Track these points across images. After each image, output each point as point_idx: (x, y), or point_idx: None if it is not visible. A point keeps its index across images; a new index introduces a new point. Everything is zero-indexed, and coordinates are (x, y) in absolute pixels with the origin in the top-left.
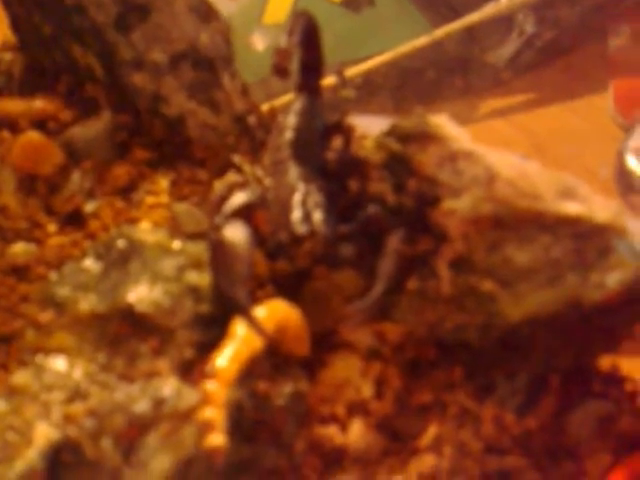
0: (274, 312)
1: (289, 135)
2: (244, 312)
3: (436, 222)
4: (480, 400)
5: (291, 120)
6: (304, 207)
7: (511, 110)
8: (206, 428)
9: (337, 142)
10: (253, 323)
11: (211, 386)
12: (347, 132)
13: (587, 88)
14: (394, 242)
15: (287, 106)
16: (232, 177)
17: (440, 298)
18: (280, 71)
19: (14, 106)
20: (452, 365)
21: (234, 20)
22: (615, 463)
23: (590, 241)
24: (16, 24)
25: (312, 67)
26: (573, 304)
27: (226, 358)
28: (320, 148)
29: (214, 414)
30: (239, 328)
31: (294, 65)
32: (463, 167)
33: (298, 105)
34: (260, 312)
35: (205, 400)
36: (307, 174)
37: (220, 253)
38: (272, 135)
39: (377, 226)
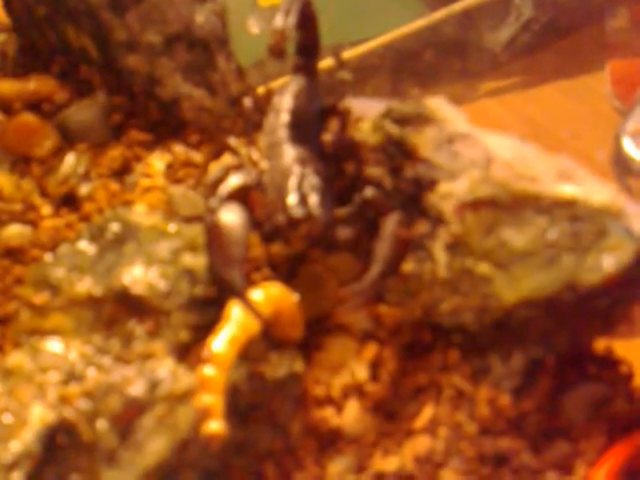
0: (270, 295)
1: (285, 117)
2: (240, 295)
3: (433, 205)
4: (475, 382)
5: (287, 102)
6: (300, 190)
7: (508, 93)
8: (205, 414)
9: (333, 125)
10: (249, 306)
11: (208, 370)
12: (343, 115)
13: (584, 71)
14: (391, 225)
15: (283, 87)
16: (228, 160)
17: (436, 281)
18: (276, 52)
19: (8, 87)
20: (448, 348)
21: (230, 2)
22: (609, 445)
23: (586, 224)
24: (9, 5)
25: (308, 48)
26: (569, 286)
27: (223, 342)
28: (317, 130)
29: (213, 400)
30: (235, 311)
31: (290, 46)
32: (460, 149)
33: (294, 87)
34: (256, 295)
35: (203, 385)
36: (303, 157)
37: (215, 235)
38: (268, 117)
39: (374, 209)
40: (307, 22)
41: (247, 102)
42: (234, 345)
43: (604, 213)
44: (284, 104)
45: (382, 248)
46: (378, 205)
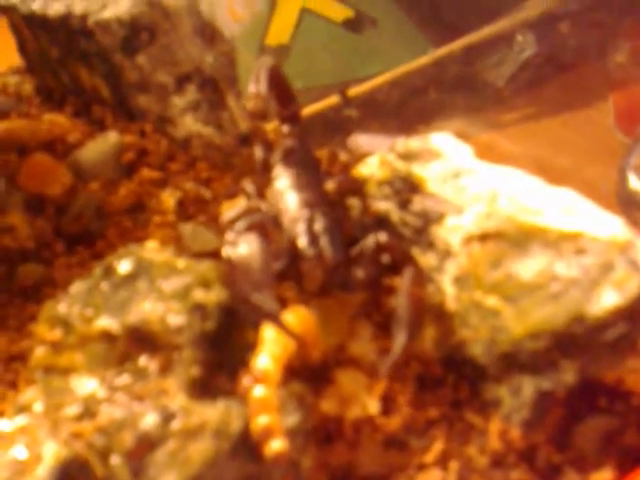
0: (299, 317)
1: (287, 170)
2: (274, 317)
3: (440, 238)
4: (486, 415)
5: (279, 157)
6: (310, 232)
7: (512, 127)
8: (265, 435)
9: (337, 167)
10: (284, 327)
11: (259, 391)
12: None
13: (587, 104)
14: (406, 285)
15: (277, 153)
16: (242, 201)
17: (445, 314)
18: (258, 115)
19: (22, 127)
20: (458, 381)
21: (238, 41)
22: (620, 476)
23: (593, 257)
24: (24, 48)
25: (287, 102)
26: (576, 319)
27: (267, 361)
28: (317, 175)
29: (270, 419)
30: (268, 333)
31: (271, 105)
32: (466, 183)
33: (286, 142)
34: (288, 317)
35: (257, 407)
36: (310, 200)
37: (239, 265)
38: (270, 168)
39: (388, 253)
40: (277, 85)
41: (258, 151)
42: (278, 363)
43: (610, 246)
44: (280, 158)
45: (402, 310)
46: (392, 250)
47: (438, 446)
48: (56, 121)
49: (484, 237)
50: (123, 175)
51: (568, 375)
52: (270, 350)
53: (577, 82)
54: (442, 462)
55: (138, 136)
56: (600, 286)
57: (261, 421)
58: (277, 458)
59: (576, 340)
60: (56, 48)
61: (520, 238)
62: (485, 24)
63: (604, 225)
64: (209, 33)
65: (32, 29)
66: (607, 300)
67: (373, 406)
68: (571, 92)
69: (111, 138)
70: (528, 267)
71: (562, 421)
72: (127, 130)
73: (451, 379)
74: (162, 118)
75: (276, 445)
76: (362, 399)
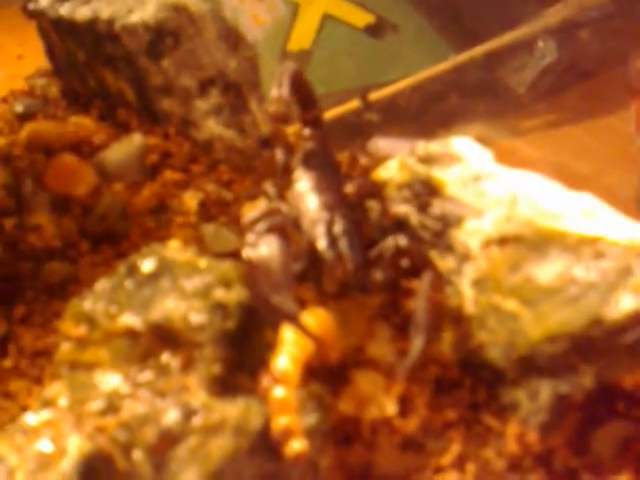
0: (318, 319)
1: (308, 172)
2: (294, 318)
3: (459, 241)
4: (503, 418)
5: (300, 160)
6: (329, 234)
7: (532, 132)
8: (286, 436)
9: (357, 170)
10: (303, 329)
11: (279, 392)
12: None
13: (608, 111)
14: (425, 288)
15: (297, 147)
16: (263, 203)
17: (463, 317)
18: (280, 119)
19: (49, 130)
20: (475, 384)
21: (260, 46)
22: None
23: (611, 261)
24: (51, 51)
25: (309, 106)
26: (594, 323)
27: (286, 362)
28: (338, 179)
29: (290, 420)
30: (287, 334)
31: (293, 109)
32: (486, 187)
33: (307, 145)
34: (307, 319)
35: (277, 408)
36: (330, 203)
37: (259, 266)
38: (291, 171)
39: (408, 257)
40: (300, 88)
41: (279, 154)
42: (297, 364)
43: (629, 251)
44: (303, 161)
45: (421, 313)
46: (411, 253)
47: (455, 448)
48: (82, 123)
49: (503, 241)
50: (147, 176)
51: (586, 379)
52: (289, 351)
53: (598, 89)
54: (459, 464)
55: (162, 139)
56: (618, 290)
57: (281, 422)
58: (297, 458)
59: (594, 344)
60: (83, 52)
61: (539, 242)
62: (506, 30)
63: (623, 230)
64: (233, 38)
65: (60, 33)
66: (625, 304)
67: (391, 407)
68: (592, 99)
69: (135, 140)
70: (547, 271)
71: (579, 425)
72: (151, 133)
73: (469, 382)
74: (185, 121)
75: (297, 445)
76: (380, 400)
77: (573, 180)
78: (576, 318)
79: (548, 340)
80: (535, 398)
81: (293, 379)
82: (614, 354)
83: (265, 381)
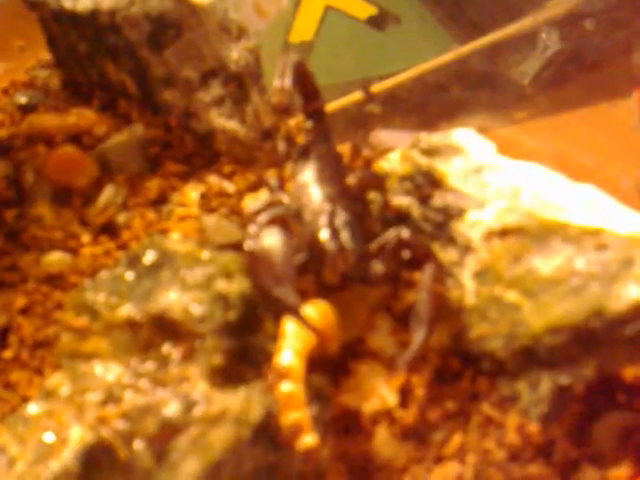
0: (319, 310)
1: (309, 164)
2: (294, 311)
3: (461, 233)
4: (504, 409)
5: (302, 152)
6: (331, 226)
7: (535, 124)
8: (296, 431)
9: (358, 162)
10: (304, 321)
11: (286, 387)
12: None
13: (610, 103)
14: (427, 279)
15: (299, 139)
16: (264, 194)
17: (464, 308)
18: (281, 109)
19: (50, 121)
20: (476, 375)
21: (262, 37)
22: (638, 473)
23: (613, 253)
24: (53, 43)
25: (311, 98)
26: (596, 314)
27: (290, 356)
28: (340, 171)
29: (299, 414)
30: (289, 327)
31: (295, 100)
32: (488, 179)
33: (309, 137)
34: (308, 311)
35: (286, 403)
36: (331, 195)
37: (260, 258)
38: (293, 162)
39: (410, 249)
40: (303, 81)
41: (280, 145)
42: (301, 357)
43: (631, 242)
44: (303, 164)
45: (422, 305)
46: (413, 245)
47: (456, 439)
48: (83, 114)
49: (505, 232)
50: (148, 168)
51: (587, 370)
52: (292, 345)
53: (601, 80)
54: (459, 455)
55: (163, 130)
56: (620, 281)
57: (291, 417)
58: (309, 453)
59: (595, 335)
60: (84, 43)
61: (541, 233)
62: (509, 22)
63: (625, 221)
64: (235, 29)
65: (61, 24)
66: (627, 295)
67: (391, 398)
68: (595, 90)
69: (137, 132)
70: (548, 262)
71: (580, 416)
72: (152, 124)
73: (469, 373)
74: (187, 113)
75: (308, 440)
76: (380, 391)
77: (575, 171)
78: (577, 309)
79: (549, 331)
80: (536, 389)
81: (298, 373)
82: (615, 345)
83: (270, 377)
